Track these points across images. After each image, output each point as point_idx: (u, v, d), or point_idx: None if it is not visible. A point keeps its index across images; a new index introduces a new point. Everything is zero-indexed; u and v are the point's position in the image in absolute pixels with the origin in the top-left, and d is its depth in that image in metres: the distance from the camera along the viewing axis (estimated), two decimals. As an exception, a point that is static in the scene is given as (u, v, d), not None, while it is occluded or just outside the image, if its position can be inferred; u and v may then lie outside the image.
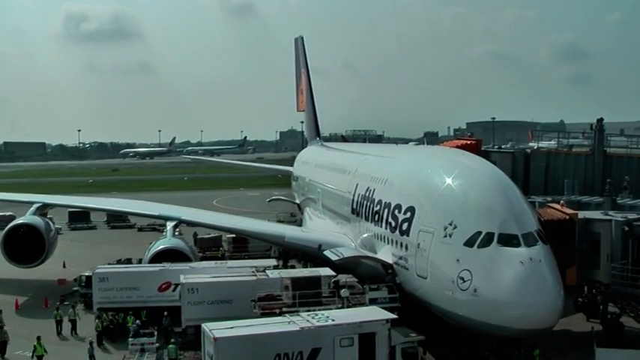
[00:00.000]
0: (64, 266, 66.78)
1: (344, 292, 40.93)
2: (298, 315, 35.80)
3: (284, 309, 38.76)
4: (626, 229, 43.40)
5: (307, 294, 39.94)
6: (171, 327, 45.17)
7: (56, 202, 72.97)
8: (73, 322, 48.04)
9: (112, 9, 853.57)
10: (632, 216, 45.30)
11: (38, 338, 41.79)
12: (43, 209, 65.24)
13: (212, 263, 53.08)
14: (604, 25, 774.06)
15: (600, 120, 60.93)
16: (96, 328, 46.01)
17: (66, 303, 52.42)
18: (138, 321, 44.86)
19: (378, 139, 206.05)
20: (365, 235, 49.15)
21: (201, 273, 46.75)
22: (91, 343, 42.50)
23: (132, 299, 48.05)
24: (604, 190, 53.08)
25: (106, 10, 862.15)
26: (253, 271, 45.48)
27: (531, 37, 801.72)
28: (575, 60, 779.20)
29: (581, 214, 44.81)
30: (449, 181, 39.15)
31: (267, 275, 44.02)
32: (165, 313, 45.61)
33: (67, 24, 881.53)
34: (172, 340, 42.17)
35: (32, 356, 41.57)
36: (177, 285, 45.78)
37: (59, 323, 48.01)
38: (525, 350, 36.28)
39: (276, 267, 49.85)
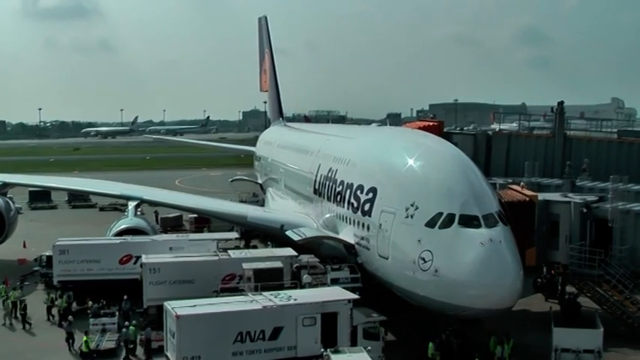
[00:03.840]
0: (25, 246, 66.14)
1: (306, 279, 40.98)
2: (261, 294, 35.88)
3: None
4: (585, 210, 44.04)
5: (269, 285, 39.00)
6: (131, 309, 44.89)
7: (16, 181, 72.26)
8: (15, 305, 46.92)
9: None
10: (590, 198, 45.91)
11: (86, 333, 40.33)
12: (2, 188, 64.72)
13: (173, 236, 53.15)
14: (564, 9, 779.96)
15: (561, 103, 61.32)
16: (60, 308, 45.70)
17: (26, 283, 51.90)
18: (90, 302, 44.59)
19: (341, 119, 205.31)
20: (327, 216, 49.26)
21: (163, 246, 46.66)
22: (69, 322, 42.06)
23: (92, 272, 47.83)
24: (564, 172, 53.51)
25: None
26: (215, 252, 45.48)
27: (493, 20, 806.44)
28: (536, 43, 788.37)
29: (541, 196, 45.22)
30: (411, 162, 39.33)
31: (229, 255, 44.01)
32: (125, 297, 45.29)
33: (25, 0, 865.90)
34: (134, 322, 41.94)
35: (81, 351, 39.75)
36: (138, 258, 45.54)
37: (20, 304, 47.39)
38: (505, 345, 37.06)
39: (237, 247, 49.94)
